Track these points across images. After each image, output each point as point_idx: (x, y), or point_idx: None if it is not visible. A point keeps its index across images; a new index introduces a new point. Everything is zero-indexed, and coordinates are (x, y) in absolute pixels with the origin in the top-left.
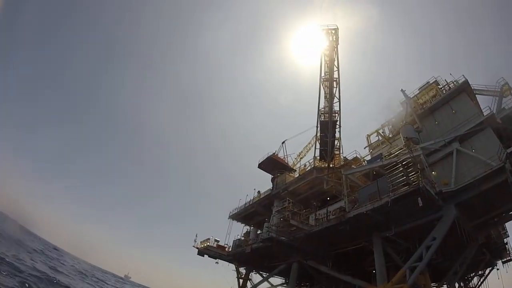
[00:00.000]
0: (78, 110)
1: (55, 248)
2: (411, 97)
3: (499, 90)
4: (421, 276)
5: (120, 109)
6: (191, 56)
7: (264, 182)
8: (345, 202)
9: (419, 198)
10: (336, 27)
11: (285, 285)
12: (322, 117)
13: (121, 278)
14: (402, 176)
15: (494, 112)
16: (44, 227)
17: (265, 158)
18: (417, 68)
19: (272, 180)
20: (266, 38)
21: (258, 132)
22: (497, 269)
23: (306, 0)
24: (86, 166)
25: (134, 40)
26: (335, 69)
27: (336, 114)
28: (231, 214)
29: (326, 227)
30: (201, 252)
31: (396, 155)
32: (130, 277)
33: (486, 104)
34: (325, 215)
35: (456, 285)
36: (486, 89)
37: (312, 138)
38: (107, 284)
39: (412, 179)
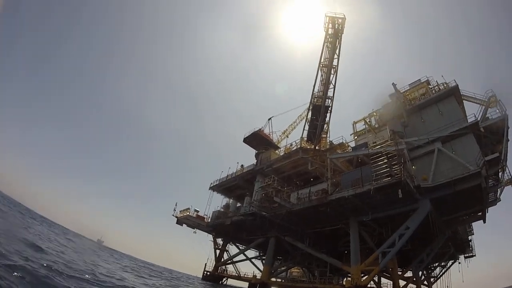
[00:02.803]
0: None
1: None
2: (401, 92)
3: (486, 100)
4: (390, 260)
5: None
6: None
7: (245, 156)
8: (328, 184)
9: (399, 190)
10: (343, 16)
11: (258, 258)
12: (316, 101)
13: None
14: (386, 167)
15: (479, 120)
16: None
17: (251, 133)
18: (415, 59)
19: (256, 155)
20: (256, 14)
21: (244, 104)
22: (459, 263)
23: None
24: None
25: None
26: (336, 57)
27: (329, 100)
28: (212, 185)
29: (308, 207)
30: (180, 221)
31: (382, 146)
32: (103, 242)
33: (472, 110)
34: (307, 195)
35: (420, 272)
36: (474, 96)
37: (298, 117)
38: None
39: (395, 171)
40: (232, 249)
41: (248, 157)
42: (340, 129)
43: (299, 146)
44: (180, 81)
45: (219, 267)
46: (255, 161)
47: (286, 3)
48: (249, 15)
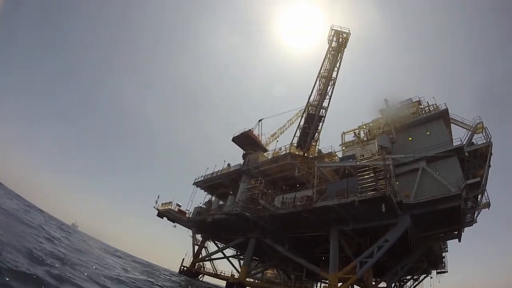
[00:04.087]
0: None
1: None
2: (392, 108)
3: (473, 126)
4: (366, 270)
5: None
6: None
7: (231, 155)
8: (313, 192)
9: (383, 204)
10: (348, 31)
11: (236, 256)
12: (310, 109)
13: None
14: (372, 181)
15: (464, 144)
16: None
17: (240, 133)
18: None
19: (244, 156)
20: (254, 17)
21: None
22: (431, 277)
23: None
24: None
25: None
26: (336, 69)
27: (324, 110)
28: (196, 180)
29: (292, 212)
30: (161, 214)
31: (370, 160)
32: (78, 226)
33: (458, 132)
34: (292, 200)
35: (393, 284)
36: (462, 121)
37: (287, 122)
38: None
39: (380, 185)
40: (211, 246)
41: (234, 156)
42: (329, 134)
43: (288, 151)
44: (178, 79)
45: (197, 263)
46: (242, 161)
47: (286, 4)
48: (247, 16)
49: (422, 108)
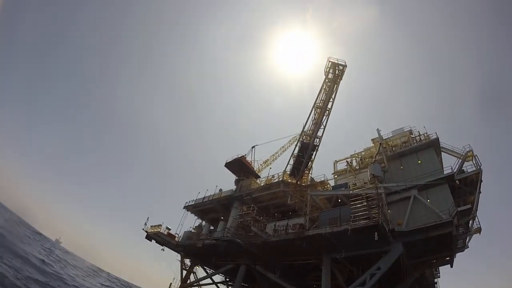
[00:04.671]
0: None
1: None
2: (384, 138)
3: (463, 154)
4: None
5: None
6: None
7: (222, 180)
8: (305, 220)
9: (375, 233)
10: (344, 63)
11: (224, 283)
12: (304, 139)
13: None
14: (365, 209)
15: (455, 172)
16: None
17: (233, 159)
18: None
19: (236, 181)
20: (254, 43)
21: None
22: None
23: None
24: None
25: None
26: (331, 100)
27: (318, 139)
28: (187, 204)
29: (284, 239)
30: (149, 237)
31: (362, 188)
32: (61, 242)
33: (449, 160)
34: (284, 228)
35: None
36: (452, 149)
37: (280, 149)
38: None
39: (373, 214)
40: (200, 271)
41: (226, 180)
42: (321, 162)
43: (281, 179)
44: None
45: None
46: (234, 186)
47: (284, 29)
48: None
49: (413, 137)
